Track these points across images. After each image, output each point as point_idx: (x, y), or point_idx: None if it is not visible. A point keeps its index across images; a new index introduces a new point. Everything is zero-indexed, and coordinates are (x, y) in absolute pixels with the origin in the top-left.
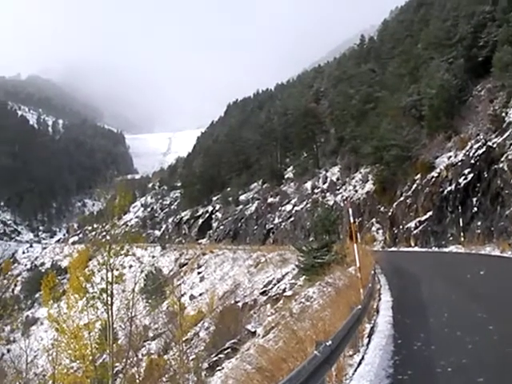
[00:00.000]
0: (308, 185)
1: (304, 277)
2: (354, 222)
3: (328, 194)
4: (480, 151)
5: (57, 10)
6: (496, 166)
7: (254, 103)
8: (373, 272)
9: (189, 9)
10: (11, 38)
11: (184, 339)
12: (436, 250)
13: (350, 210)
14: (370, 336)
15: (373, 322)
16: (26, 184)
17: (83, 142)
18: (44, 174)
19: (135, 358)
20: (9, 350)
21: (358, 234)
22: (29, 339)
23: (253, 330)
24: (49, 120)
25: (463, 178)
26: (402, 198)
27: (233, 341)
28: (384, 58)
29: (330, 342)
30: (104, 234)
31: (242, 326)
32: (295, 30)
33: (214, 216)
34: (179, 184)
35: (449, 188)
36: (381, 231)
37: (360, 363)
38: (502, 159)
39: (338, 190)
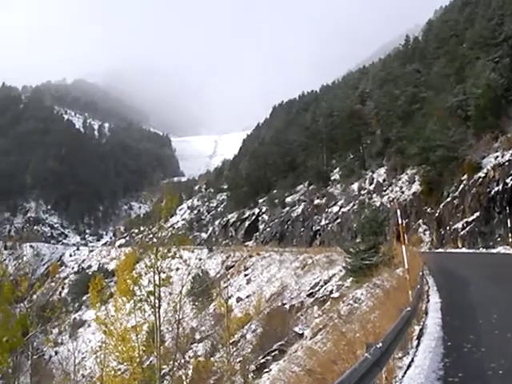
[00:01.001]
0: (354, 186)
1: (351, 278)
2: (402, 223)
3: (374, 196)
4: None
5: (101, 14)
6: None
7: (299, 105)
8: (421, 273)
9: (231, 10)
10: (56, 43)
11: (231, 341)
12: (483, 251)
13: (398, 211)
14: (419, 338)
15: (422, 323)
16: (72, 187)
17: (129, 145)
18: (90, 178)
19: (182, 360)
20: (57, 352)
21: (405, 236)
22: (76, 341)
23: (300, 331)
24: (95, 124)
25: (511, 178)
26: (448, 199)
27: (280, 343)
28: (429, 58)
29: (380, 344)
30: (151, 236)
31: (290, 327)
32: (339, 31)
33: (260, 218)
34: (225, 186)
35: (496, 188)
36: (427, 232)
37: (410, 365)
38: None
39: (385, 191)
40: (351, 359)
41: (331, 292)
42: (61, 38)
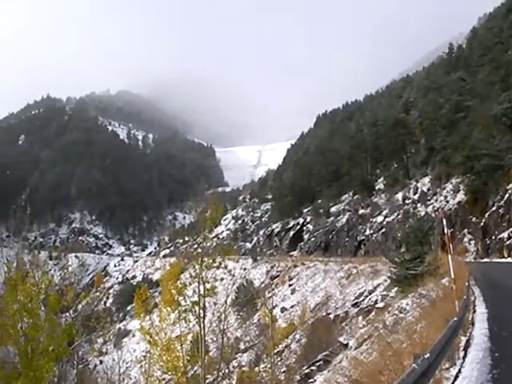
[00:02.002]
0: (399, 196)
1: (396, 288)
2: (447, 232)
3: (419, 205)
4: None
5: (145, 26)
6: None
7: (343, 114)
8: (467, 283)
9: (274, 21)
10: (101, 55)
11: (275, 351)
12: None
13: (444, 221)
14: (466, 349)
15: (468, 334)
16: (117, 198)
17: (173, 155)
18: (135, 188)
19: (226, 370)
20: (101, 362)
21: (451, 245)
22: (121, 351)
23: (345, 342)
24: (139, 134)
25: None
26: (494, 208)
27: (325, 353)
28: (474, 65)
29: (427, 355)
30: (196, 246)
31: (334, 338)
32: (383, 41)
33: (305, 228)
34: (270, 196)
35: None
36: (473, 242)
37: (457, 376)
38: None
39: (429, 200)
40: (398, 370)
41: (376, 302)
42: (105, 50)
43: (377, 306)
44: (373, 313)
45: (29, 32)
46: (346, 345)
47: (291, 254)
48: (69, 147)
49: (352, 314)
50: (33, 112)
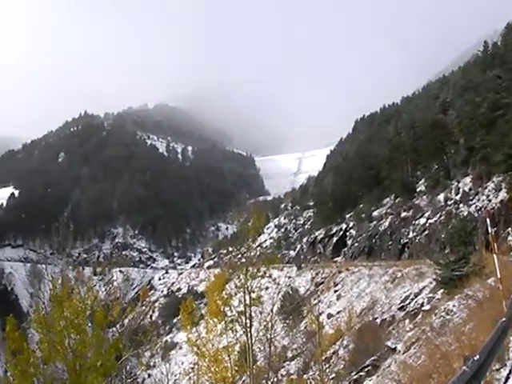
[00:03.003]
0: (441, 197)
1: (442, 290)
2: (492, 232)
3: (461, 205)
4: None
5: (181, 39)
6: None
7: (380, 118)
8: None
9: (307, 26)
10: (138, 69)
11: (323, 358)
12: None
13: (488, 220)
14: None
15: None
16: (158, 211)
17: (213, 166)
18: (176, 201)
19: (275, 379)
20: (150, 375)
21: (496, 244)
22: (169, 364)
23: (393, 346)
24: (178, 147)
25: None
26: None
27: (373, 358)
28: (509, 63)
29: (477, 357)
30: (239, 256)
31: (382, 342)
32: (417, 42)
33: (347, 233)
34: (311, 203)
35: None
36: None
37: (508, 378)
38: None
39: (471, 200)
40: (448, 373)
41: (422, 305)
42: (142, 65)
43: (423, 308)
44: (419, 316)
45: (66, 49)
46: (394, 349)
47: (335, 260)
48: (109, 163)
49: (398, 317)
50: (71, 129)
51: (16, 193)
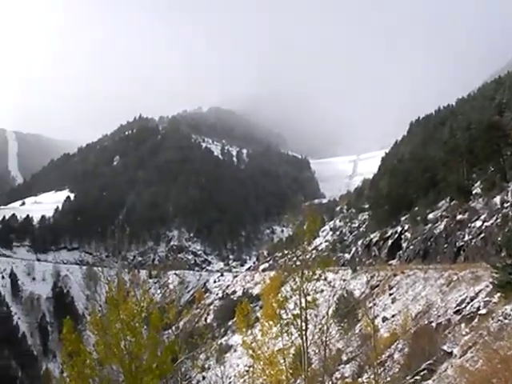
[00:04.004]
0: (497, 199)
1: (499, 294)
2: None
3: None
4: None
5: (234, 41)
6: None
7: (436, 119)
8: None
9: (360, 30)
10: (192, 72)
11: (378, 362)
12: None
13: None
14: None
15: None
16: (213, 214)
17: (268, 169)
18: (231, 204)
19: (330, 382)
20: (204, 377)
21: None
22: (224, 366)
23: (449, 350)
24: (233, 150)
25: None
26: None
27: (429, 362)
28: None
29: None
30: (295, 259)
31: (438, 346)
32: (472, 43)
33: (403, 236)
34: (367, 206)
35: None
36: None
37: None
38: None
39: None
40: (508, 378)
41: (478, 308)
42: (196, 68)
43: (479, 312)
44: (476, 319)
45: (119, 53)
46: (450, 353)
47: (390, 262)
48: (163, 166)
49: (454, 321)
50: (126, 133)
51: (71, 196)
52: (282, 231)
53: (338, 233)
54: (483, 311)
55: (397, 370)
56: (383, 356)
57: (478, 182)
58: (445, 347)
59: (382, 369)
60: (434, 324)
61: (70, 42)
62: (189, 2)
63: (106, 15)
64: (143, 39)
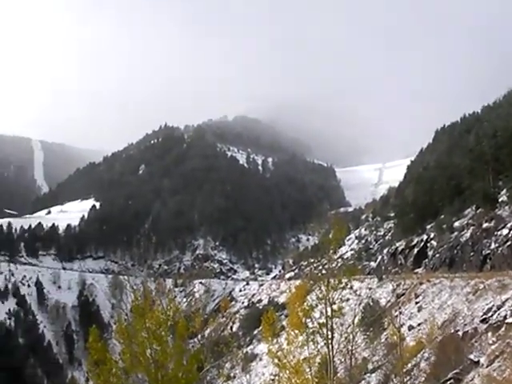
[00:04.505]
0: None
1: None
2: None
3: None
4: None
5: (259, 51)
6: None
7: (461, 127)
8: None
9: (388, 41)
10: (217, 81)
11: (404, 370)
12: None
13: None
14: None
15: None
16: (239, 223)
17: (294, 178)
18: (256, 212)
19: None
20: None
21: None
22: (249, 375)
23: (475, 359)
24: (258, 159)
25: None
26: None
27: (455, 371)
28: None
29: None
30: (320, 268)
31: (464, 355)
32: (497, 50)
33: (428, 244)
34: (392, 214)
35: None
36: None
37: None
38: None
39: None
40: None
41: (505, 317)
42: (221, 77)
43: (506, 321)
44: (503, 328)
45: (144, 66)
46: (477, 362)
47: (416, 271)
48: (189, 175)
49: (481, 330)
50: (152, 141)
51: (97, 205)
52: (308, 240)
53: (363, 241)
54: (510, 320)
55: (423, 379)
56: (409, 365)
57: (504, 190)
58: (471, 356)
59: (408, 378)
60: (460, 333)
61: (94, 52)
62: (211, 13)
63: (131, 28)
64: (168, 51)
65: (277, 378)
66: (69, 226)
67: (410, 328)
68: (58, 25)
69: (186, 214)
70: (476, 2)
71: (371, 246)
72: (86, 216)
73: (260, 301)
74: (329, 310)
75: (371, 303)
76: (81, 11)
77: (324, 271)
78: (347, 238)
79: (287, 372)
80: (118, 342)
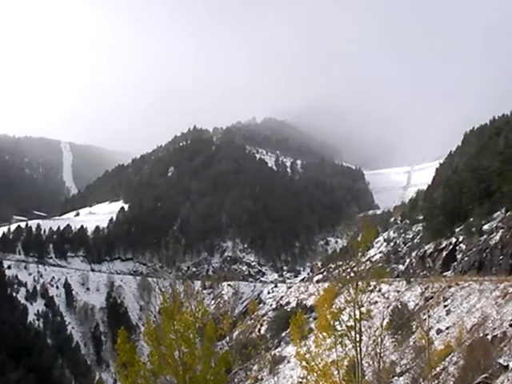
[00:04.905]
0: None
1: None
2: None
3: None
4: None
5: (288, 53)
6: None
7: (491, 130)
8: None
9: (416, 43)
10: (246, 83)
11: (432, 374)
12: None
13: None
14: None
15: None
16: (267, 225)
17: (322, 180)
18: (285, 215)
19: None
20: None
21: None
22: (277, 377)
23: (505, 363)
24: (287, 161)
25: None
26: None
27: (484, 375)
28: None
29: None
30: (349, 270)
31: (493, 359)
32: None
33: (457, 248)
34: (421, 217)
35: None
36: None
37: None
38: None
39: None
40: None
41: None
42: (246, 79)
43: None
44: None
45: (171, 64)
46: (506, 366)
47: (445, 274)
48: (218, 177)
49: (510, 334)
50: (180, 144)
51: (126, 207)
52: (336, 242)
53: (392, 244)
54: None
55: (451, 383)
56: (437, 369)
57: None
58: (501, 360)
59: (436, 382)
60: (489, 337)
61: (122, 54)
62: (239, 14)
63: (156, 28)
64: (195, 52)
65: (304, 380)
66: (97, 227)
67: (439, 331)
68: (86, 25)
69: (214, 217)
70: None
71: (400, 249)
72: (114, 218)
73: (288, 303)
74: (357, 312)
75: (399, 306)
76: (109, 10)
77: (352, 274)
78: (376, 240)
79: (315, 375)
80: (146, 344)
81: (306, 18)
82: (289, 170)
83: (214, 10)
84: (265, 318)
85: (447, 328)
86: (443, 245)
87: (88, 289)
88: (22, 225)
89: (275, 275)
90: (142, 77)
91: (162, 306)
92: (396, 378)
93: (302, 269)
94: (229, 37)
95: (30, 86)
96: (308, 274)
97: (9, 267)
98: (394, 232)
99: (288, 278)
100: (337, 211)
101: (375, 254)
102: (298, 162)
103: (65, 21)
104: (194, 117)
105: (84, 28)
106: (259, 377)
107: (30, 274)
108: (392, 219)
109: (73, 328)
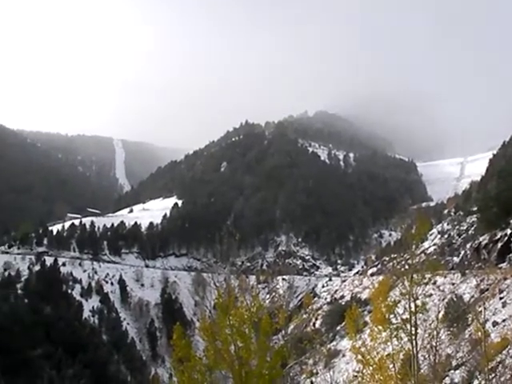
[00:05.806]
0: None
1: None
2: None
3: None
4: None
5: (340, 46)
6: None
7: None
8: None
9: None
10: (297, 77)
11: (489, 367)
12: None
13: None
14: None
15: None
16: (321, 219)
17: (375, 173)
18: (338, 208)
19: None
20: (312, 382)
21: None
22: (332, 371)
23: None
24: (339, 154)
25: None
26: None
27: None
28: None
29: None
30: (403, 263)
31: None
32: None
33: None
34: (475, 208)
35: None
36: None
37: None
38: None
39: None
40: None
41: None
42: (300, 73)
43: None
44: None
45: (221, 60)
46: None
47: (500, 266)
48: (271, 171)
49: None
50: (233, 139)
51: (179, 203)
52: (390, 235)
53: (446, 236)
54: None
55: (508, 376)
56: (494, 362)
57: None
58: None
59: (493, 375)
60: None
61: (170, 51)
62: (287, 10)
63: (208, 23)
64: (245, 48)
65: (360, 374)
66: (151, 223)
67: (495, 324)
68: (130, 23)
69: (268, 211)
70: None
71: (454, 241)
72: (168, 214)
73: (343, 297)
74: (412, 305)
75: (455, 299)
76: (148, 10)
77: (407, 266)
78: (430, 232)
79: (370, 368)
80: (201, 339)
81: (359, 9)
82: (342, 163)
83: (263, 7)
84: (319, 311)
85: (503, 320)
86: (498, 236)
87: (142, 285)
88: (76, 222)
89: (329, 269)
90: (191, 75)
91: (217, 301)
92: (452, 371)
93: (356, 262)
94: (278, 34)
95: (83, 85)
96: (362, 267)
97: (63, 264)
98: (447, 224)
99: (342, 272)
100: (390, 203)
101: (429, 247)
102: (351, 154)
103: (118, 20)
104: (245, 113)
105: (133, 26)
106: (314, 371)
107: (84, 271)
108: (446, 211)
109: (128, 324)
